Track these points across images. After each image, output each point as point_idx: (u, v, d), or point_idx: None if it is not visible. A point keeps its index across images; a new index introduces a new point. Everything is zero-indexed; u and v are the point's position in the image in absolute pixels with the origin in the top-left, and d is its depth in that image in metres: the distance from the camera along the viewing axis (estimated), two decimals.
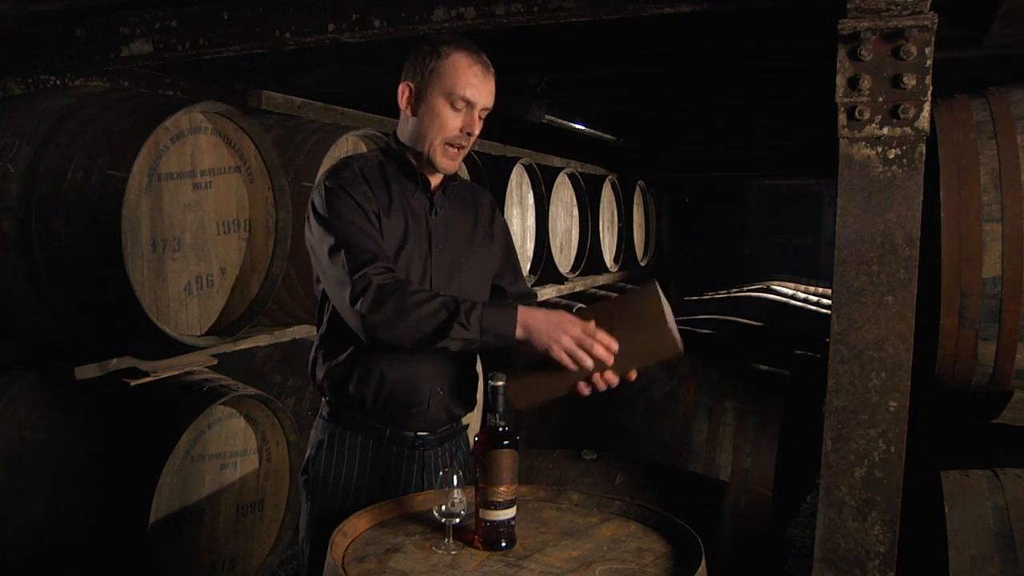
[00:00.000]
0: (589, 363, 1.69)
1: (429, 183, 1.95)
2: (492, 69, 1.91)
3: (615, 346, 1.70)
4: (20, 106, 2.80)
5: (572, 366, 1.70)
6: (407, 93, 1.92)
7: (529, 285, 5.53)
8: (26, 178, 2.55)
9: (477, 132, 1.91)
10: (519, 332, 1.72)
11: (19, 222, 2.54)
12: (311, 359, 2.01)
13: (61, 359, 2.68)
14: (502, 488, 1.64)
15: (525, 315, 1.73)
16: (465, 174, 4.53)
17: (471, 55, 1.88)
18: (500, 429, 1.66)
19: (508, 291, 2.09)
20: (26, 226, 2.54)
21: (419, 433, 1.95)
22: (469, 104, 1.86)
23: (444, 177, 1.99)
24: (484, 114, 1.91)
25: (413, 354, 1.87)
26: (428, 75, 1.87)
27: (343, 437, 1.95)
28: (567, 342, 1.70)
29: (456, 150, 1.90)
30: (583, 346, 1.69)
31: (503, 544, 1.65)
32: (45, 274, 2.56)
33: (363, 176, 1.90)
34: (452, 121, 1.87)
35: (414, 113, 1.91)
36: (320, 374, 1.97)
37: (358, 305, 1.73)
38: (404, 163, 1.94)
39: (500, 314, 1.73)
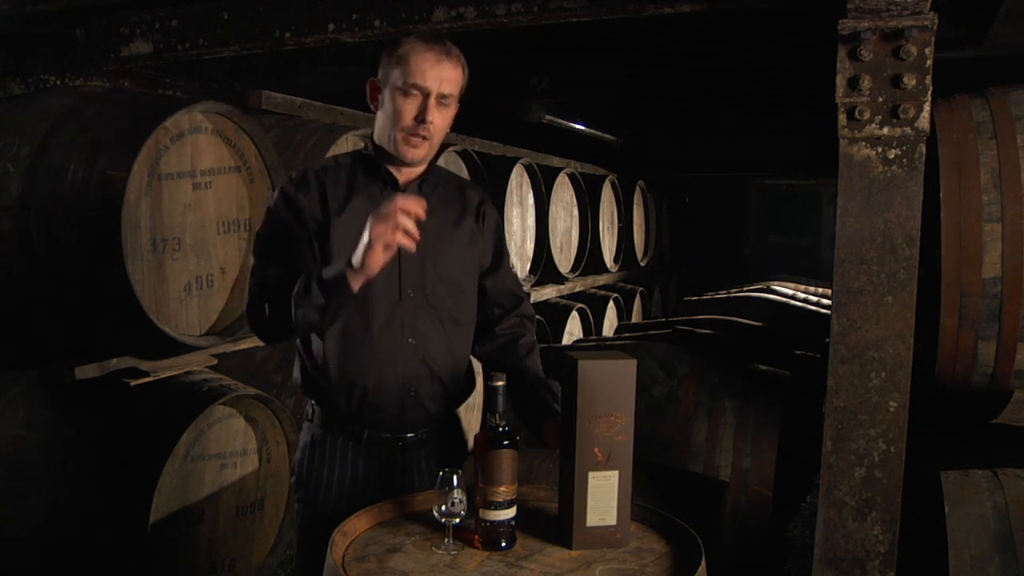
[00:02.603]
0: (396, 237, 1.62)
1: (397, 180, 1.90)
2: (454, 56, 1.83)
3: (419, 210, 1.64)
4: (20, 106, 2.80)
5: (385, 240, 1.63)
6: (373, 90, 1.89)
7: (528, 285, 5.48)
8: (26, 178, 2.55)
9: (435, 120, 1.82)
10: (350, 270, 1.68)
11: (19, 222, 2.54)
12: (294, 361, 2.01)
13: (61, 359, 2.67)
14: (502, 488, 1.64)
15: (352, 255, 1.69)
16: (464, 174, 4.53)
17: (426, 42, 1.81)
18: (500, 429, 1.65)
19: (489, 290, 2.04)
20: (26, 226, 2.54)
21: (399, 435, 1.93)
22: (421, 90, 1.79)
23: (421, 172, 1.93)
24: (447, 102, 1.83)
25: (384, 354, 1.87)
26: (387, 68, 1.83)
27: (325, 439, 1.94)
28: (376, 235, 1.63)
29: (418, 139, 1.82)
30: (392, 228, 1.62)
31: (503, 544, 1.65)
32: (45, 274, 2.56)
33: (317, 179, 1.88)
34: (405, 109, 1.80)
35: (378, 108, 1.88)
36: (299, 376, 1.98)
37: (246, 314, 1.88)
38: (369, 163, 1.92)
39: (330, 267, 1.74)
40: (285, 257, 1.85)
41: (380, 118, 1.88)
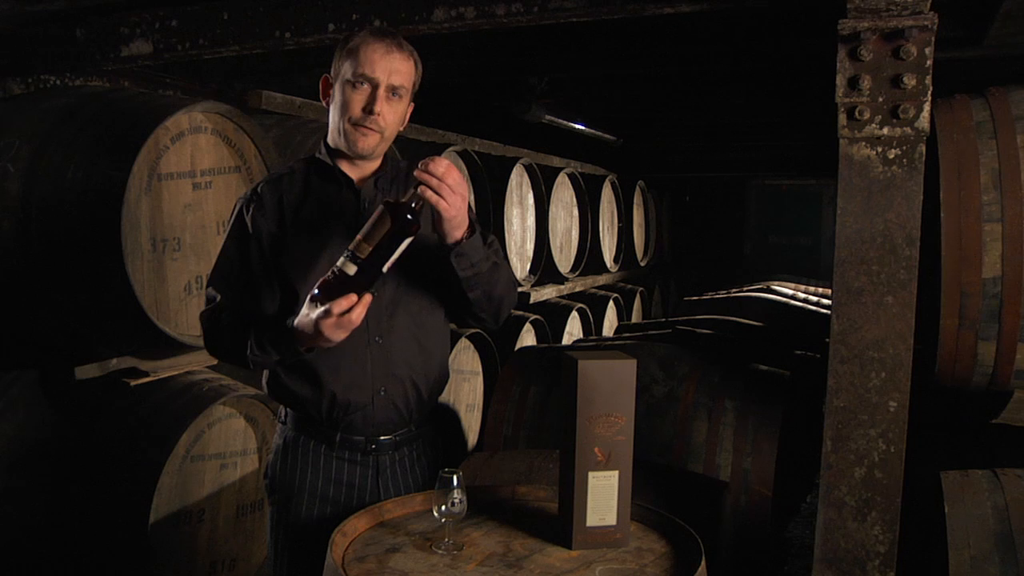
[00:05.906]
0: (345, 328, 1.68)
1: (352, 179, 1.88)
2: (406, 49, 1.82)
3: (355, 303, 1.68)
4: (20, 106, 2.80)
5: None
6: (325, 86, 1.88)
7: (528, 285, 5.47)
8: (26, 178, 2.55)
9: (385, 112, 1.80)
10: (301, 345, 1.75)
11: (19, 222, 2.54)
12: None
13: (61, 359, 2.68)
14: (366, 246, 1.63)
15: (297, 327, 1.74)
16: (464, 173, 4.53)
17: (377, 35, 1.81)
18: (410, 205, 1.64)
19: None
20: (26, 226, 2.54)
21: (372, 437, 1.90)
22: (370, 81, 1.77)
23: (375, 168, 1.90)
24: (399, 94, 1.81)
25: (350, 355, 1.85)
26: (338, 63, 1.83)
27: (297, 442, 1.92)
28: (329, 334, 1.69)
29: (368, 129, 1.80)
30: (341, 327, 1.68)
31: (316, 291, 1.66)
32: (45, 274, 2.55)
33: (272, 190, 1.88)
34: (354, 100, 1.79)
35: (329, 104, 1.87)
36: (265, 381, 1.96)
37: (202, 330, 1.92)
38: (321, 166, 1.90)
39: (282, 334, 1.78)
40: (238, 286, 1.87)
41: (331, 113, 1.86)
